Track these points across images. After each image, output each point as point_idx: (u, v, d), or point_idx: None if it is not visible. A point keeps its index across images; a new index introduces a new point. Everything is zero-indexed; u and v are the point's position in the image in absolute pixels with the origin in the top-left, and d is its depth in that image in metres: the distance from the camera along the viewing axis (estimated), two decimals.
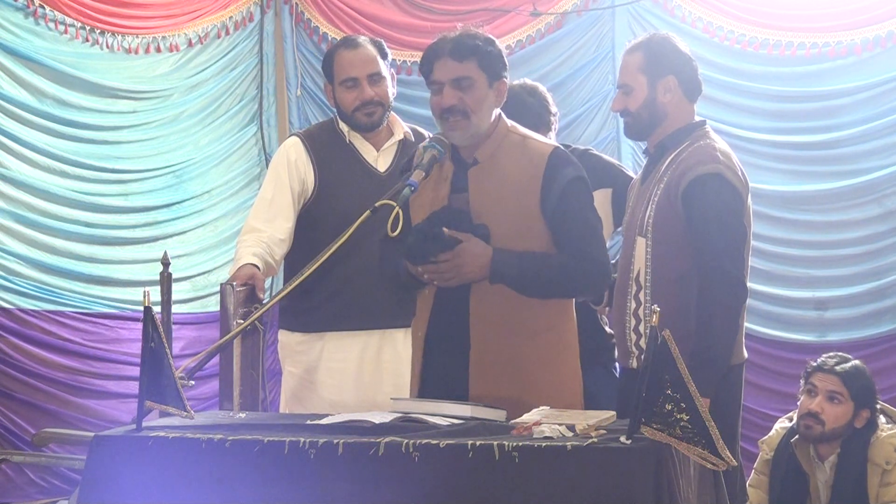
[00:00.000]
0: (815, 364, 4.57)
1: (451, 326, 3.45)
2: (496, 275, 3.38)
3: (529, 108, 4.18)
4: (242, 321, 3.52)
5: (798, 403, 4.58)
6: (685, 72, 3.82)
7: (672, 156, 3.77)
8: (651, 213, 3.74)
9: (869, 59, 6.26)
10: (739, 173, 3.74)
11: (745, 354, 3.83)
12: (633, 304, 3.77)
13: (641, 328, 3.73)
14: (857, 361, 4.58)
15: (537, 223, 3.43)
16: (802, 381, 4.58)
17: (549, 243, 3.44)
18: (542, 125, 4.18)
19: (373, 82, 4.10)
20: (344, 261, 3.89)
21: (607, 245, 4.35)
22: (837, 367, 4.50)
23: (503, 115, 3.54)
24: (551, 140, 4.19)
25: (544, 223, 3.43)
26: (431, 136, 3.58)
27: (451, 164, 3.51)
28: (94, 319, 6.49)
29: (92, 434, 3.12)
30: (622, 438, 2.77)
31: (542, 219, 3.43)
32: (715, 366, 3.58)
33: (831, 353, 4.63)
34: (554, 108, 4.34)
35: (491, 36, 3.51)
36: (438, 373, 3.47)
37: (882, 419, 4.52)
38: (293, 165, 4.12)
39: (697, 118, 3.88)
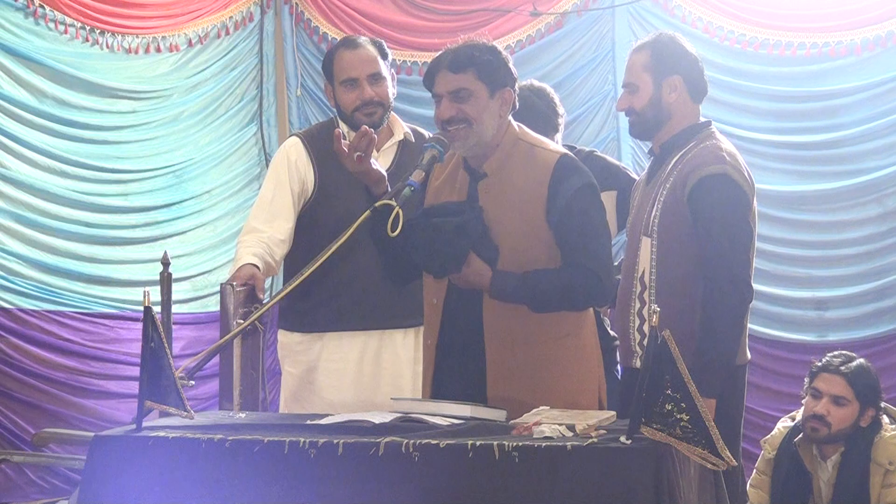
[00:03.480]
0: (819, 364, 4.55)
1: (464, 335, 3.45)
2: (495, 295, 3.38)
3: (537, 110, 4.18)
4: (242, 321, 3.52)
5: (802, 402, 4.57)
6: (691, 72, 3.82)
7: (678, 156, 3.77)
8: (657, 213, 3.74)
9: (869, 59, 6.27)
10: (745, 174, 3.74)
11: (749, 355, 3.83)
12: (638, 304, 3.77)
13: (645, 328, 3.72)
14: (861, 360, 4.56)
15: (543, 232, 3.41)
16: (807, 381, 4.56)
17: (554, 251, 3.43)
18: (550, 127, 4.19)
19: (373, 82, 4.09)
20: (343, 261, 3.89)
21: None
22: (843, 368, 4.48)
23: (512, 123, 3.51)
24: (558, 144, 4.20)
25: (550, 232, 3.42)
26: (432, 135, 3.58)
27: (466, 173, 3.50)
28: (94, 319, 6.49)
29: (92, 434, 3.12)
30: (622, 438, 2.78)
31: (548, 228, 3.41)
32: (720, 366, 3.59)
33: (836, 353, 4.61)
34: (561, 110, 4.34)
35: (494, 45, 3.48)
36: (453, 380, 3.46)
37: (885, 419, 4.51)
38: (293, 166, 4.12)
39: (702, 119, 3.88)
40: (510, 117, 3.50)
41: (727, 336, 3.62)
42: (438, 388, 3.51)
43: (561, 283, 3.38)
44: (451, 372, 3.48)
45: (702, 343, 3.56)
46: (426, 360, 3.57)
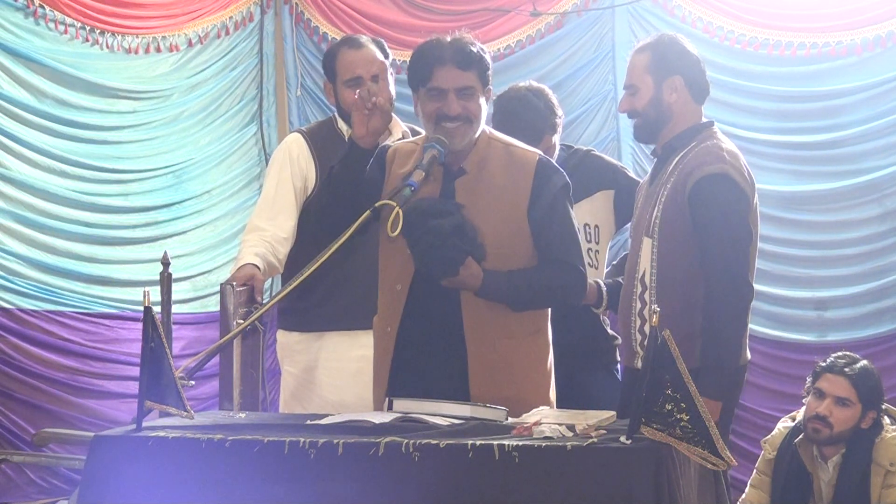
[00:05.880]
0: (823, 364, 4.54)
1: (433, 327, 3.44)
2: (483, 295, 3.40)
3: (536, 110, 4.18)
4: (242, 321, 3.52)
5: (804, 401, 4.56)
6: (692, 73, 3.82)
7: (679, 156, 3.77)
8: (658, 213, 3.74)
9: (869, 59, 6.26)
10: (746, 174, 3.74)
11: (749, 356, 3.83)
12: (639, 305, 3.78)
13: (647, 329, 3.73)
14: (865, 362, 4.55)
15: (523, 229, 3.45)
16: (810, 381, 4.55)
17: (532, 248, 3.46)
18: (548, 127, 4.18)
19: (376, 82, 4.08)
20: (341, 260, 3.88)
21: (608, 245, 4.36)
22: (847, 369, 4.47)
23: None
24: (556, 144, 4.20)
25: (529, 229, 3.45)
26: (432, 136, 3.57)
27: (440, 168, 3.50)
28: (94, 319, 6.49)
29: (92, 434, 3.12)
30: (622, 438, 2.78)
31: (528, 225, 3.45)
32: (725, 369, 3.59)
33: (840, 354, 4.59)
34: (559, 111, 4.34)
35: (482, 46, 3.52)
36: (421, 372, 3.45)
37: (886, 420, 4.51)
38: (295, 162, 4.12)
39: (704, 119, 3.88)
40: None
41: (730, 337, 3.62)
42: (399, 378, 3.47)
43: (547, 281, 3.44)
44: (418, 363, 3.45)
45: (706, 346, 3.58)
46: (383, 347, 3.51)
